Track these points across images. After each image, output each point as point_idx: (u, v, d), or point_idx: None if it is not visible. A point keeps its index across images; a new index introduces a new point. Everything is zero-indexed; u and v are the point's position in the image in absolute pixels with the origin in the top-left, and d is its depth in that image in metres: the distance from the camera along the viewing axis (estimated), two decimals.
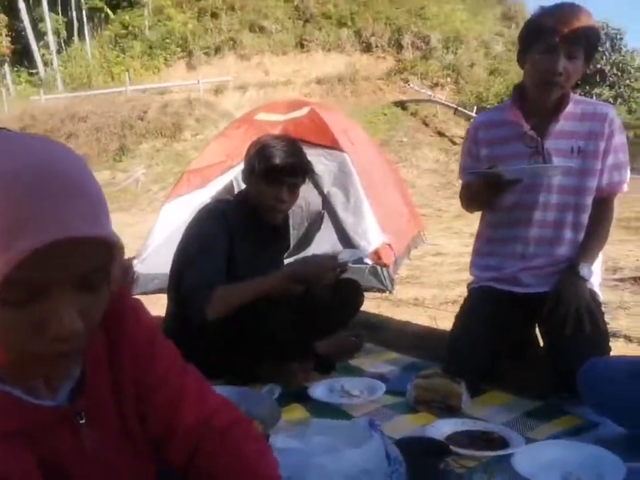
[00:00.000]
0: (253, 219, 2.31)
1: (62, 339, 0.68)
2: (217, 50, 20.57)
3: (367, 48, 21.21)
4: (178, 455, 0.94)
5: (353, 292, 2.64)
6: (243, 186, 2.40)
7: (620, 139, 2.12)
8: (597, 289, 2.22)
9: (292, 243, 4.07)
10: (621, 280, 4.03)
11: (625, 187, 2.16)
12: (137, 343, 0.90)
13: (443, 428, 1.77)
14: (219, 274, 2.15)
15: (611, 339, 2.13)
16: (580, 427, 1.80)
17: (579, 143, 2.10)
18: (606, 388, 1.68)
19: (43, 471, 0.75)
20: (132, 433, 0.89)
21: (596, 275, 2.23)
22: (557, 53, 1.97)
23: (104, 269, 0.71)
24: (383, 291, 3.69)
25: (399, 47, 21.29)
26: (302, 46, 20.88)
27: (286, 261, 2.60)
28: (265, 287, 2.15)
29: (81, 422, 0.82)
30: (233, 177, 4.00)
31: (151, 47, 21.08)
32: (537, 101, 2.11)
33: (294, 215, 3.96)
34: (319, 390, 2.13)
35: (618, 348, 2.22)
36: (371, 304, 3.41)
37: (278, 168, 2.20)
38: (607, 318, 2.17)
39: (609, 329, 2.22)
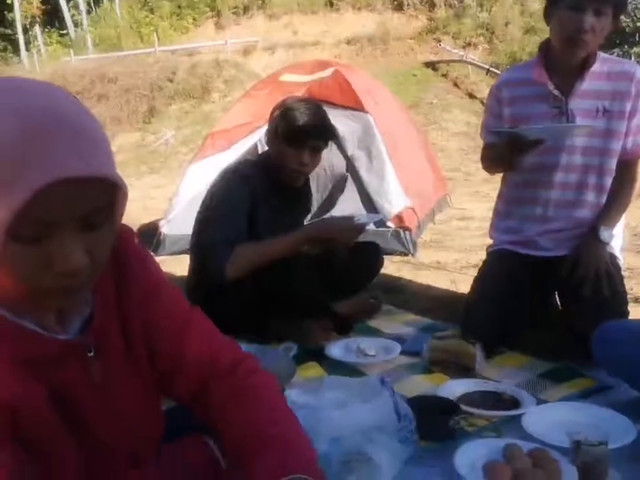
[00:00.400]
0: (275, 181, 2.33)
1: (68, 274, 0.72)
2: (246, 9, 20.30)
3: (399, 6, 20.70)
4: (186, 388, 0.98)
5: (372, 254, 2.66)
6: (267, 148, 2.41)
7: None
8: (618, 252, 2.19)
9: (315, 206, 4.09)
10: None
11: None
12: (144, 286, 0.94)
13: (455, 388, 1.80)
14: (239, 233, 2.19)
15: (633, 304, 2.11)
16: (593, 389, 1.81)
17: (605, 103, 2.05)
18: (620, 351, 1.67)
19: (52, 401, 0.79)
20: (139, 367, 0.93)
21: (617, 239, 2.20)
22: (583, 9, 1.90)
23: (106, 208, 0.73)
24: (406, 255, 3.68)
25: (432, 5, 20.73)
26: (331, 4, 20.48)
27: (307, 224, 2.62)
28: (284, 246, 2.18)
29: (89, 354, 0.86)
30: (257, 138, 4.01)
31: (179, 7, 20.91)
32: (562, 59, 2.05)
33: (318, 178, 3.95)
34: (335, 349, 2.17)
35: (637, 313, 2.19)
36: (393, 267, 3.42)
37: (301, 130, 2.21)
38: (632, 283, 2.15)
39: (633, 293, 2.20)
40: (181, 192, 4.11)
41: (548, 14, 2.06)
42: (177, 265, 3.28)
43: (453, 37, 19.04)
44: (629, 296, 2.14)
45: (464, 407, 1.64)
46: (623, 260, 2.23)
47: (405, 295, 2.94)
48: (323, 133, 2.27)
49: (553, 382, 1.87)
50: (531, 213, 2.18)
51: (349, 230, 2.28)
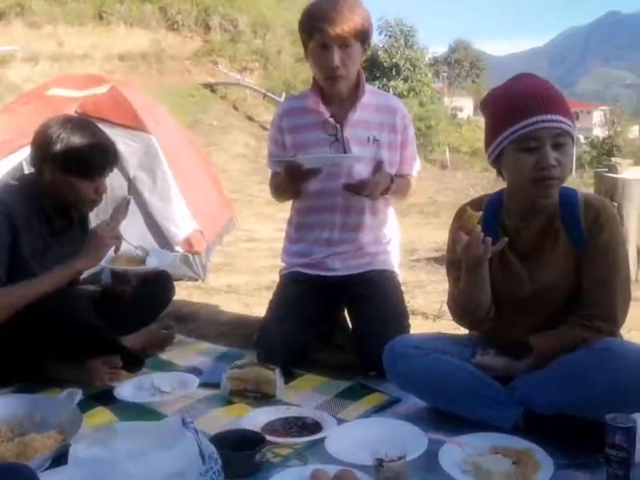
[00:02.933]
0: (45, 209, 2.09)
1: None
2: (1, 15, 18.37)
3: (173, 26, 20.48)
4: None
5: (162, 284, 2.51)
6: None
7: (412, 131, 2.30)
8: (397, 269, 2.37)
9: None
10: (417, 260, 4.38)
11: (415, 174, 2.35)
12: None
13: (258, 417, 1.76)
14: None
15: (410, 316, 2.28)
16: (386, 403, 1.90)
17: (374, 133, 2.20)
18: (407, 365, 1.79)
19: None
20: None
21: (395, 256, 2.38)
22: (328, 47, 2.04)
23: None
24: (195, 280, 3.58)
25: (207, 27, 20.89)
26: (101, 18, 19.51)
27: None
28: (51, 281, 1.97)
29: None
30: (22, 159, 3.58)
31: None
32: (328, 91, 2.17)
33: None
34: (126, 389, 1.99)
35: (416, 325, 2.39)
36: (183, 293, 3.30)
37: (91, 162, 2.06)
38: (408, 297, 2.33)
39: (410, 307, 2.38)
40: None
41: (305, 52, 2.17)
42: None
43: (229, 60, 19.38)
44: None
45: (268, 437, 1.61)
46: (400, 275, 2.41)
47: (198, 322, 2.84)
48: (112, 158, 2.13)
49: (350, 400, 1.93)
50: (319, 236, 2.26)
51: (113, 236, 2.15)
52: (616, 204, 3.48)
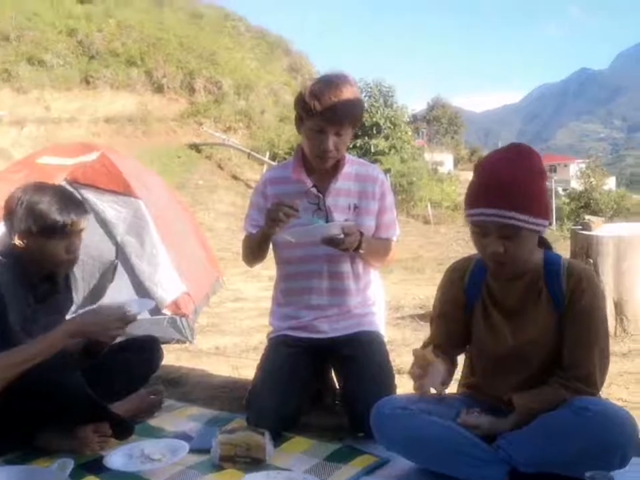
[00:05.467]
0: (29, 276, 2.13)
1: None
2: None
3: (159, 89, 20.97)
4: None
5: (150, 348, 2.53)
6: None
7: (390, 198, 2.38)
8: (382, 330, 2.42)
9: (82, 296, 3.81)
10: (403, 318, 4.43)
11: (395, 239, 2.40)
12: None
13: None
14: None
15: (396, 375, 2.32)
16: (375, 465, 1.92)
17: (354, 200, 2.29)
18: (393, 426, 1.82)
19: None
20: None
21: (381, 317, 2.44)
22: (325, 132, 2.15)
23: None
24: (183, 342, 3.59)
25: (192, 90, 21.41)
26: (87, 82, 19.94)
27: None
28: (41, 349, 1.97)
29: None
30: None
31: None
32: (315, 166, 2.28)
33: (84, 266, 3.71)
34: (116, 458, 1.99)
35: (403, 384, 2.42)
36: (171, 356, 3.30)
37: (58, 222, 2.09)
38: (393, 355, 2.37)
39: (396, 365, 2.42)
40: None
41: (298, 124, 2.27)
42: None
43: (214, 120, 19.78)
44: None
45: None
46: (385, 334, 2.46)
47: (187, 386, 2.84)
48: (74, 214, 2.15)
49: (339, 463, 1.94)
50: (308, 302, 2.31)
51: (116, 321, 2.15)
52: (591, 260, 3.59)
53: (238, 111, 20.92)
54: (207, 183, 13.64)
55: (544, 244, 1.81)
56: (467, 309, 1.86)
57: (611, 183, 32.51)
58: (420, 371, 1.71)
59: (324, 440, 2.11)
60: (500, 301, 1.79)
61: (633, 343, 3.61)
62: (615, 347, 3.43)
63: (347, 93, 2.16)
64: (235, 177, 14.41)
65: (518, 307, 1.77)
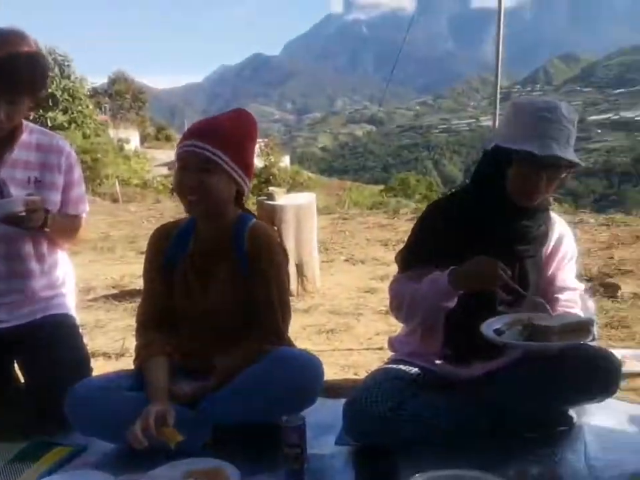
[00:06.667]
0: None
1: None
2: None
3: None
4: None
5: None
6: None
7: (78, 171, 2.19)
8: (73, 312, 2.25)
9: None
10: (95, 300, 4.20)
11: (85, 215, 2.24)
12: None
13: None
14: None
15: (92, 359, 2.19)
16: (71, 454, 1.80)
17: (35, 173, 2.06)
18: (87, 408, 1.74)
19: None
20: None
21: (71, 299, 2.27)
22: None
23: None
24: None
25: None
26: None
27: None
28: None
29: None
30: None
31: None
32: None
33: None
34: None
35: (99, 366, 2.30)
36: None
37: None
38: (85, 339, 2.23)
39: (89, 349, 2.28)
40: None
41: None
42: None
43: None
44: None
45: None
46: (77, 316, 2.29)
47: None
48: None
49: (28, 462, 1.76)
50: None
51: None
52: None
53: None
54: None
55: (243, 208, 1.90)
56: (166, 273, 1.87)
57: (286, 160, 35.60)
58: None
59: (7, 441, 1.88)
60: (196, 264, 1.84)
61: (312, 300, 4.06)
62: (298, 304, 3.82)
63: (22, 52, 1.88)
64: None
65: (210, 268, 1.83)
